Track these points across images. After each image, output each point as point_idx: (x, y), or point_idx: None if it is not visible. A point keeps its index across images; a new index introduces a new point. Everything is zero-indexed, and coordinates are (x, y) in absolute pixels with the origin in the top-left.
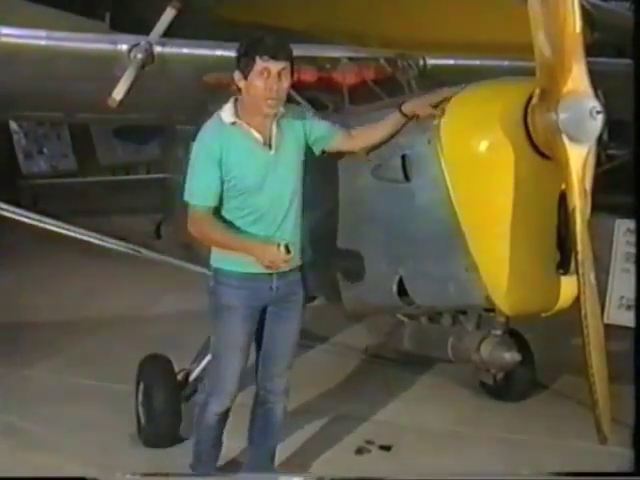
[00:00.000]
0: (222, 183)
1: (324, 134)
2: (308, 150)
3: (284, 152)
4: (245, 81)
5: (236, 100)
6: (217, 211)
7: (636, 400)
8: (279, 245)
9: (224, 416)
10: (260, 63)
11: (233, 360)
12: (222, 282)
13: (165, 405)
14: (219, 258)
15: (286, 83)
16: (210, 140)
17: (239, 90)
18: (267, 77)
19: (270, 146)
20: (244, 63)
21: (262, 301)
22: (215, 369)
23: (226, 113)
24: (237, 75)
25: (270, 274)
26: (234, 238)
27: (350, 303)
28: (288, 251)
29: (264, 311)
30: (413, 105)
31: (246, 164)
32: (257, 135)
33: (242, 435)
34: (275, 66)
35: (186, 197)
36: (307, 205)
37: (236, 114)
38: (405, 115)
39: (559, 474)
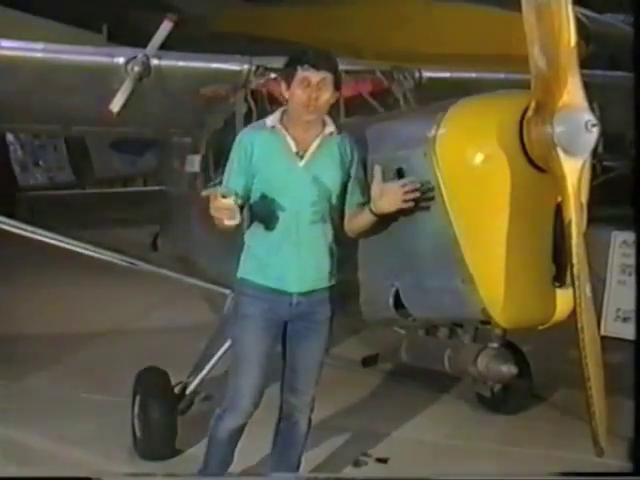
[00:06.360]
0: (253, 180)
1: (350, 192)
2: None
3: (316, 168)
4: (288, 90)
5: (284, 110)
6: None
7: (636, 404)
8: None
9: (237, 433)
10: (301, 72)
11: (251, 373)
12: (243, 292)
13: (161, 418)
14: (243, 268)
15: (326, 94)
16: (245, 139)
17: (286, 101)
18: (307, 86)
19: (302, 157)
20: (287, 73)
21: (281, 315)
22: (233, 384)
23: (271, 118)
24: (283, 85)
25: (290, 293)
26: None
27: (347, 316)
28: (224, 197)
29: (286, 328)
30: (381, 203)
31: (272, 167)
32: (292, 143)
33: (253, 453)
34: (315, 76)
35: None
36: None
37: (280, 121)
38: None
39: (559, 474)
